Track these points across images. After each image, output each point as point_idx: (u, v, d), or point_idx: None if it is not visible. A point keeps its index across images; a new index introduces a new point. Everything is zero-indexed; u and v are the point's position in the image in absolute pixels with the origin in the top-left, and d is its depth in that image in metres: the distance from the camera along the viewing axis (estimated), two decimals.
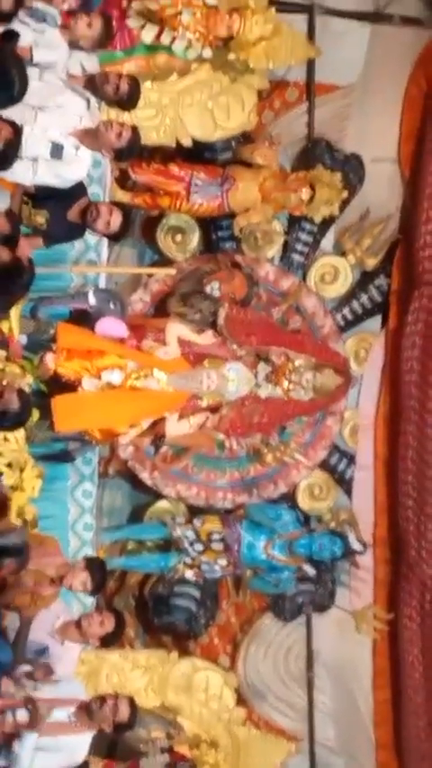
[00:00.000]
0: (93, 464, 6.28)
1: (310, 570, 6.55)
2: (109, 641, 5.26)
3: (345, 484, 6.89)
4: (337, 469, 6.88)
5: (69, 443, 6.00)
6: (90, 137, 5.21)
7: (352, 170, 6.67)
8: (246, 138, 6.47)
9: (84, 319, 5.97)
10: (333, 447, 6.81)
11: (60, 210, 5.32)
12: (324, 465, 6.81)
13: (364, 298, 6.88)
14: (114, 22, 5.45)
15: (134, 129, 5.29)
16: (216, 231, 6.64)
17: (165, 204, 6.38)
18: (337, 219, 6.73)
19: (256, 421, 6.38)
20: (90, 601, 6.00)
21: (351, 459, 6.90)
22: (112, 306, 6.00)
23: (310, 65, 6.47)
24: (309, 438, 6.72)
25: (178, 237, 6.59)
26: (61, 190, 5.28)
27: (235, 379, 6.24)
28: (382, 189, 6.82)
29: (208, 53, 5.88)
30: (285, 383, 6.36)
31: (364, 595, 6.89)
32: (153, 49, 5.80)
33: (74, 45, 5.04)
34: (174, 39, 5.74)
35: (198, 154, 6.42)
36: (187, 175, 6.30)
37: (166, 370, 6.00)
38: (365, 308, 6.89)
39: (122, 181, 6.30)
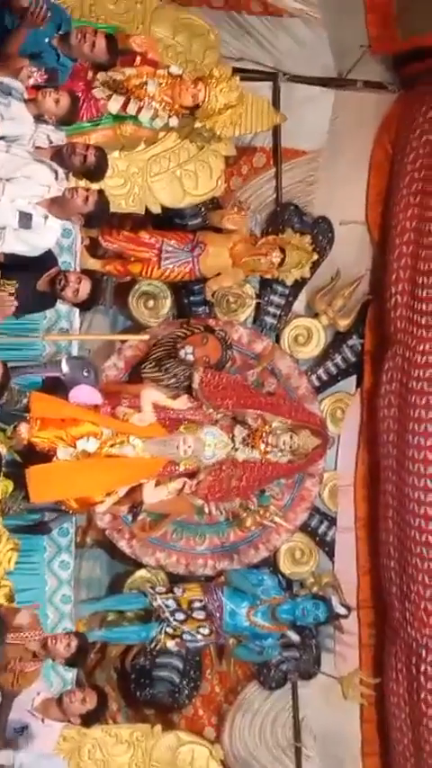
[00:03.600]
0: (69, 534, 6.19)
1: (294, 636, 6.44)
2: (91, 719, 5.13)
3: (326, 546, 6.82)
4: (318, 532, 6.81)
5: (45, 514, 5.92)
6: (58, 205, 5.21)
7: (321, 233, 6.74)
8: (215, 203, 6.53)
9: (57, 388, 5.92)
10: (313, 509, 6.75)
11: (30, 280, 5.30)
12: (305, 528, 6.75)
13: (338, 358, 6.90)
14: (81, 94, 5.50)
15: (100, 193, 5.31)
16: (188, 296, 6.66)
17: (136, 271, 6.39)
18: (309, 281, 6.78)
19: (235, 485, 6.33)
20: (70, 676, 5.86)
21: (332, 521, 6.84)
22: (85, 373, 5.96)
23: (276, 130, 6.56)
24: (288, 501, 6.67)
25: (150, 303, 6.60)
26: (31, 259, 5.27)
27: (212, 444, 6.20)
28: (352, 251, 6.89)
29: (174, 122, 5.95)
30: (262, 446, 6.33)
31: (350, 660, 6.78)
32: (120, 118, 5.84)
33: (40, 118, 5.07)
34: (140, 108, 5.79)
35: (168, 220, 6.46)
36: (158, 242, 6.34)
37: (141, 437, 5.95)
38: (340, 369, 6.90)
39: (93, 249, 6.32)
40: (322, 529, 6.81)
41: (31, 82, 5.03)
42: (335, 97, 6.71)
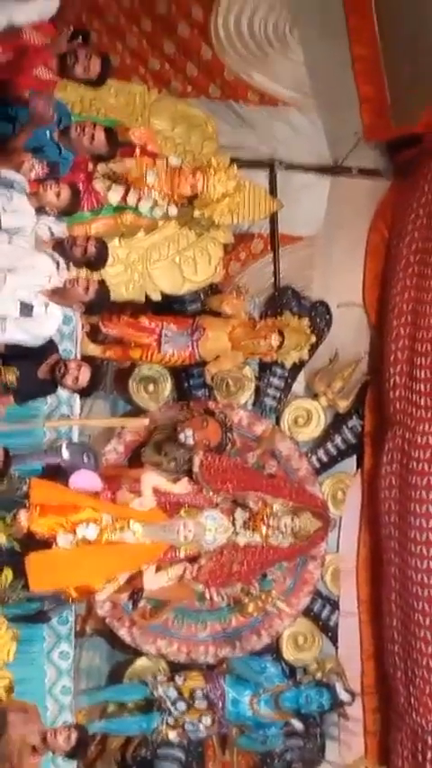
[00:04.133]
0: (69, 623, 6.11)
1: (297, 725, 6.33)
2: None
3: (329, 631, 6.74)
4: (321, 616, 6.73)
5: (45, 603, 5.85)
6: (59, 294, 5.29)
7: (319, 315, 6.80)
8: (214, 288, 6.60)
9: (57, 474, 5.91)
10: (315, 593, 6.68)
11: (30, 368, 5.34)
12: (307, 612, 6.68)
13: (338, 439, 6.90)
14: (81, 186, 5.61)
15: (101, 283, 5.39)
16: (188, 379, 6.69)
17: (136, 356, 6.44)
18: (307, 363, 6.81)
19: (236, 570, 6.28)
20: None
21: (334, 605, 6.77)
22: (85, 459, 5.96)
23: (274, 217, 6.66)
24: (290, 585, 6.61)
25: (150, 387, 6.63)
26: (31, 347, 5.32)
27: (212, 528, 6.16)
28: (350, 332, 6.94)
29: (173, 211, 6.05)
30: (264, 529, 6.29)
31: (355, 748, 6.65)
32: (120, 208, 5.95)
33: (42, 210, 5.16)
34: (139, 199, 5.91)
35: (167, 306, 6.53)
36: (158, 327, 6.39)
37: (141, 522, 5.92)
38: (340, 450, 6.90)
39: (93, 335, 6.37)
40: (325, 613, 6.74)
41: (33, 175, 5.12)
42: (331, 183, 6.83)
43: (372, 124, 6.61)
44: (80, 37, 5.41)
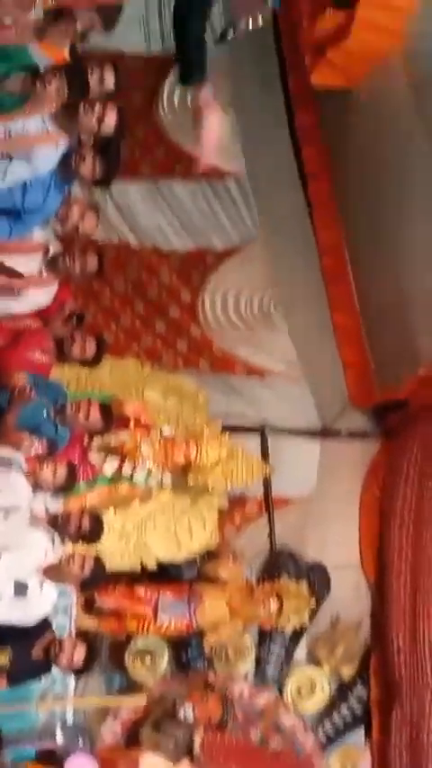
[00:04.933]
0: None
1: None
2: None
3: None
4: None
5: None
6: (54, 571, 5.24)
7: (317, 577, 6.71)
8: (210, 554, 6.55)
9: (52, 758, 5.61)
10: None
11: (24, 648, 5.19)
12: None
13: (344, 709, 6.62)
14: (77, 460, 5.70)
15: (96, 559, 5.36)
16: (186, 649, 6.49)
17: (132, 628, 6.29)
18: (308, 628, 6.65)
19: None
20: None
21: None
22: (80, 743, 5.70)
23: (267, 481, 6.72)
24: None
25: (147, 660, 6.42)
26: (25, 626, 5.20)
27: None
28: (349, 595, 6.83)
29: (168, 479, 6.12)
30: None
31: None
32: (115, 479, 6.02)
33: (37, 486, 5.21)
34: (134, 469, 5.99)
35: (163, 573, 6.45)
36: (153, 596, 6.28)
37: None
38: (347, 722, 6.60)
39: (88, 607, 6.25)
40: None
41: (33, 452, 5.21)
42: (321, 446, 6.96)
43: (357, 389, 6.82)
44: (75, 319, 5.69)
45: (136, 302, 6.70)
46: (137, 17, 6.81)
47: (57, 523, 5.22)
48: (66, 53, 5.08)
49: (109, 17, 5.27)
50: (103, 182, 5.20)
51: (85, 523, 5.17)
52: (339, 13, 5.94)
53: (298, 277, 6.99)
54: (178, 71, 3.66)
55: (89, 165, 5.02)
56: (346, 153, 6.76)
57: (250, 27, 3.64)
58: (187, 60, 3.48)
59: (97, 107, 4.92)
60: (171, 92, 7.05)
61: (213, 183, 6.90)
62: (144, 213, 6.83)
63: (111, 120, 4.95)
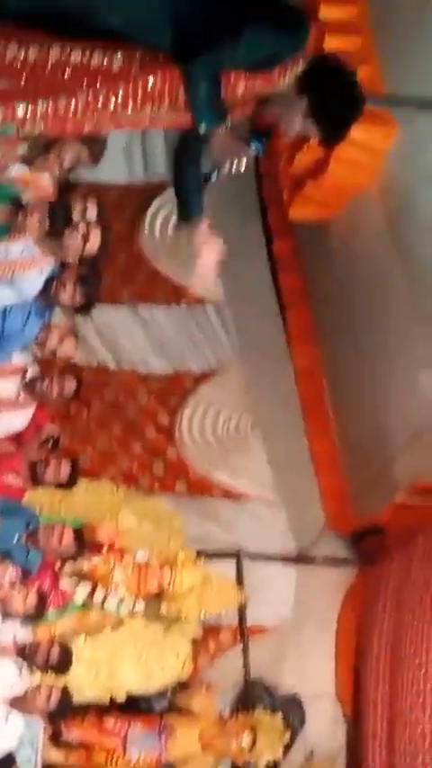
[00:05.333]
0: None
1: None
2: None
3: None
4: None
5: None
6: (21, 701, 5.11)
7: (292, 711, 6.54)
8: (182, 684, 6.39)
9: None
10: None
11: None
12: None
13: None
14: (48, 587, 5.60)
15: (64, 690, 5.22)
16: None
17: (101, 761, 6.06)
18: (281, 763, 6.44)
19: None
20: None
21: None
22: None
23: (242, 608, 6.61)
24: None
25: None
26: None
27: None
28: (325, 727, 6.67)
29: (141, 606, 6.01)
30: None
31: None
32: (86, 605, 5.90)
33: (7, 614, 5.11)
34: (106, 596, 5.88)
35: (133, 703, 6.27)
36: (123, 729, 6.09)
37: None
38: None
39: (56, 738, 6.04)
40: None
41: (8, 579, 5.13)
42: (297, 572, 6.88)
43: (334, 515, 6.80)
44: (50, 443, 5.67)
45: (113, 424, 6.72)
46: (119, 146, 7.05)
47: (25, 653, 5.10)
48: (50, 185, 5.21)
49: (96, 150, 5.42)
50: (84, 309, 5.27)
51: (54, 654, 5.07)
52: (317, 149, 6.15)
53: (275, 402, 7.05)
54: (177, 210, 3.81)
55: (69, 293, 5.10)
56: (323, 281, 6.91)
57: (233, 171, 3.76)
58: (186, 201, 3.61)
59: (81, 226, 5.01)
60: (153, 219, 7.25)
61: (193, 308, 7.02)
62: (123, 337, 6.92)
63: (95, 239, 5.03)
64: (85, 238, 5.04)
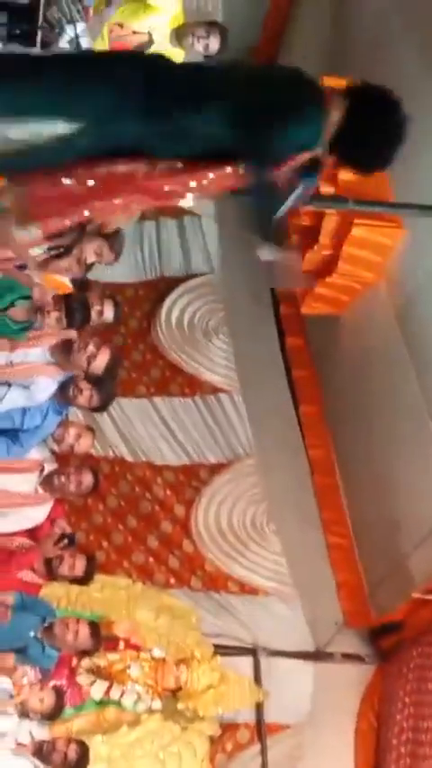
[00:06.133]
0: None
1: None
2: None
3: None
4: None
5: None
6: None
7: None
8: None
9: None
10: None
11: None
12: None
13: None
14: (65, 683, 5.54)
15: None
16: None
17: None
18: None
19: None
20: None
21: None
22: None
23: (259, 705, 6.51)
24: None
25: None
26: None
27: None
28: None
29: (157, 704, 5.94)
30: None
31: None
32: (103, 703, 5.83)
33: (24, 714, 5.05)
34: (123, 693, 5.82)
35: None
36: None
37: None
38: None
39: None
40: None
41: (26, 681, 5.08)
42: (315, 669, 6.77)
43: (351, 611, 6.73)
44: (66, 540, 5.67)
45: (128, 517, 6.72)
46: (132, 245, 7.24)
47: (42, 751, 5.02)
48: (68, 284, 5.33)
49: (116, 245, 5.47)
50: (100, 409, 5.33)
51: (72, 753, 4.99)
52: (327, 250, 6.31)
53: (291, 493, 7.05)
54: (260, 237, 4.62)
55: (86, 397, 5.16)
56: (335, 374, 7.00)
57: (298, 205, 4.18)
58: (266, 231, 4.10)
59: (90, 347, 5.06)
60: (169, 313, 7.40)
61: (207, 399, 7.10)
62: (139, 428, 6.98)
63: (102, 360, 5.08)
64: (92, 358, 5.09)
